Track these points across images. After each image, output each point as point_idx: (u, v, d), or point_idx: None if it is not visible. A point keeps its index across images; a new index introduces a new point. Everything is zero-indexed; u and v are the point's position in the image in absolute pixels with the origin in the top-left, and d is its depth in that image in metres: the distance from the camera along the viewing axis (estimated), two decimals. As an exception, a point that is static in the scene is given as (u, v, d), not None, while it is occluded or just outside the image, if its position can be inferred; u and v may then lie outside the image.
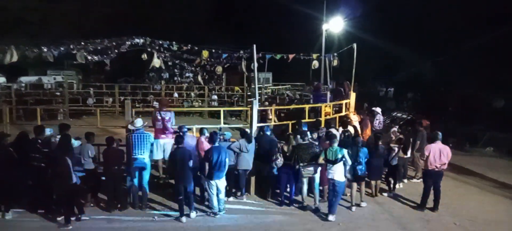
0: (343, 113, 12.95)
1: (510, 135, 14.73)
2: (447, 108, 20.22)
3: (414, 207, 8.36)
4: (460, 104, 19.99)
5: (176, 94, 21.56)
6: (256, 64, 10.27)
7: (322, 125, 10.50)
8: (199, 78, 15.26)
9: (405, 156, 9.67)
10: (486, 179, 10.77)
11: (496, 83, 20.90)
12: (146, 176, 7.96)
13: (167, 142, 9.12)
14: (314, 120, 11.37)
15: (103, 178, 7.99)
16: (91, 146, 7.91)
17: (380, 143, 8.78)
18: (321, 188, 8.50)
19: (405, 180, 10.11)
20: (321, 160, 7.68)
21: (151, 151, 8.46)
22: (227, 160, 7.53)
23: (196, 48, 13.43)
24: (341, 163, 7.50)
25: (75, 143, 7.93)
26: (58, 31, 25.90)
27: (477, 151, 14.46)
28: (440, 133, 8.19)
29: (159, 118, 9.00)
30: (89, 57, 14.14)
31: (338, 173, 7.53)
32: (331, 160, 7.52)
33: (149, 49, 14.26)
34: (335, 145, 7.64)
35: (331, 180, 7.60)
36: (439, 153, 7.95)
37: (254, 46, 9.99)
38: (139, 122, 8.00)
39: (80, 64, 15.79)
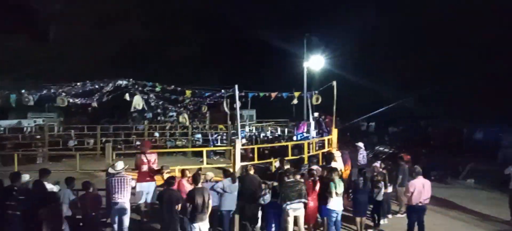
0: (326, 149, 13.03)
1: (491, 166, 15.02)
2: (429, 141, 20.59)
3: (400, 243, 8.33)
4: (442, 137, 20.42)
5: (157, 134, 21.38)
6: (238, 104, 10.36)
7: (305, 162, 10.53)
8: (181, 118, 15.22)
9: (388, 191, 9.71)
10: (470, 212, 10.84)
11: (476, 117, 21.63)
12: (126, 221, 7.73)
13: (150, 185, 9.01)
14: (298, 157, 11.40)
15: (81, 224, 7.73)
16: (70, 191, 7.70)
17: (362, 178, 8.89)
18: (306, 226, 8.41)
19: (390, 215, 10.09)
20: (334, 195, 8.03)
21: (133, 194, 8.30)
22: (210, 201, 7.41)
23: (179, 88, 13.50)
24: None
25: (54, 188, 7.71)
26: (47, 74, 25.62)
27: (459, 184, 14.62)
28: (420, 168, 8.34)
29: (145, 160, 8.92)
30: (71, 100, 13.99)
31: (341, 204, 8.14)
32: (339, 193, 8.01)
33: (132, 91, 14.25)
34: (337, 178, 8.11)
35: (337, 212, 8.09)
36: (422, 188, 8.05)
37: (236, 86, 10.13)
38: (119, 165, 7.87)
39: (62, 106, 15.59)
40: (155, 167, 8.95)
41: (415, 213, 8.16)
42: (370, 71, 28.18)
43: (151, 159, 8.92)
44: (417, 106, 23.16)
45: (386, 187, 9.56)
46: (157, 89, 13.50)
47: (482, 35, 23.91)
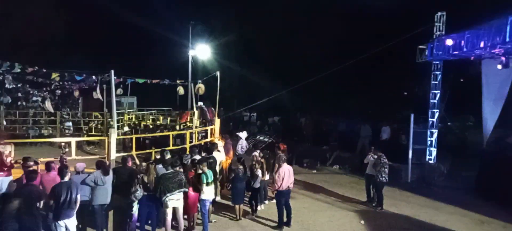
0: (208, 139, 13.10)
1: (352, 154, 17.12)
2: (302, 132, 22.37)
3: (274, 227, 8.88)
4: (313, 128, 22.39)
5: (4, 122, 18.22)
6: (114, 91, 9.64)
7: (187, 152, 10.39)
8: (47, 104, 13.32)
9: (265, 179, 10.23)
10: (334, 194, 12.11)
11: (341, 109, 24.47)
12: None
13: (4, 180, 7.83)
14: (180, 147, 11.19)
15: None
16: None
17: (242, 167, 9.25)
18: (185, 216, 8.34)
19: (266, 201, 10.65)
20: (204, 186, 8.05)
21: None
22: (78, 196, 6.74)
23: (45, 70, 11.87)
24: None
25: None
26: None
27: (326, 169, 16.26)
28: (285, 157, 9.20)
29: (-5, 153, 7.68)
30: None
31: (212, 193, 8.40)
32: (210, 183, 8.14)
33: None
34: (206, 168, 8.25)
35: (208, 201, 8.25)
36: (288, 174, 8.76)
37: (112, 71, 9.40)
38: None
39: None
40: (10, 159, 7.79)
41: (283, 197, 8.88)
42: (253, 63, 29.41)
43: (5, 151, 7.75)
44: (292, 99, 25.03)
45: (263, 175, 10.06)
46: (16, 70, 11.63)
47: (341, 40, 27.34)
